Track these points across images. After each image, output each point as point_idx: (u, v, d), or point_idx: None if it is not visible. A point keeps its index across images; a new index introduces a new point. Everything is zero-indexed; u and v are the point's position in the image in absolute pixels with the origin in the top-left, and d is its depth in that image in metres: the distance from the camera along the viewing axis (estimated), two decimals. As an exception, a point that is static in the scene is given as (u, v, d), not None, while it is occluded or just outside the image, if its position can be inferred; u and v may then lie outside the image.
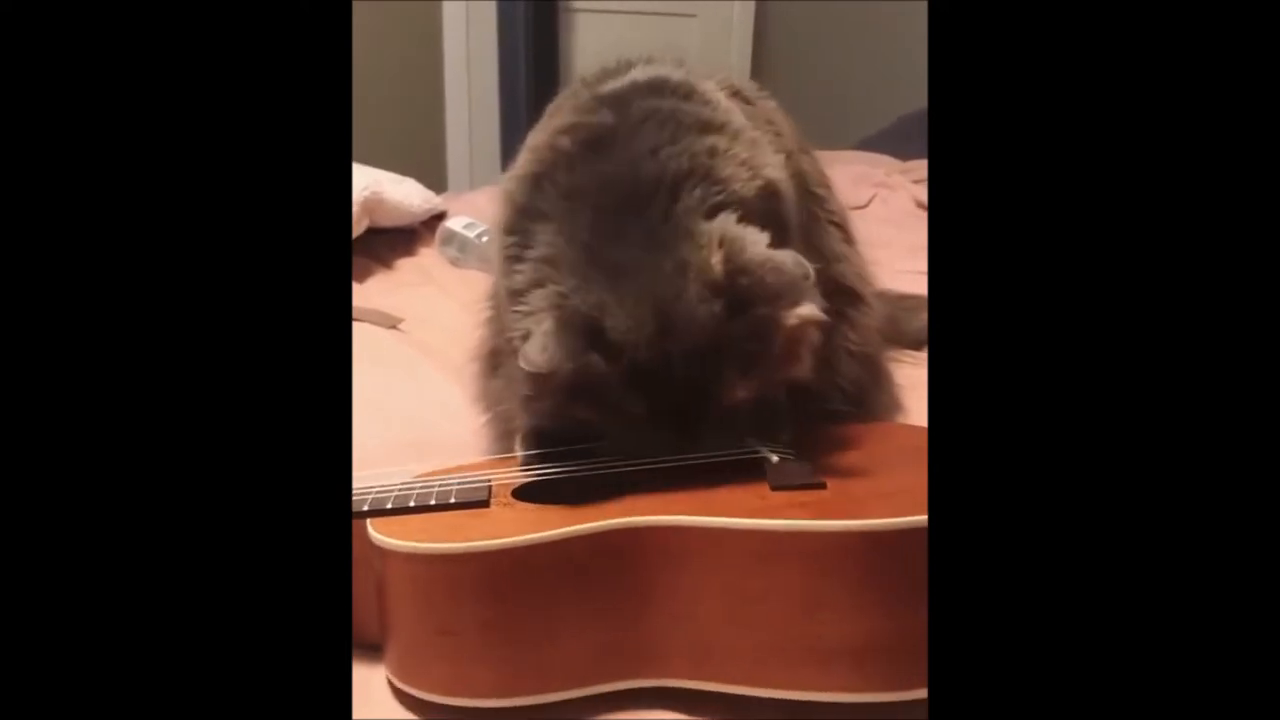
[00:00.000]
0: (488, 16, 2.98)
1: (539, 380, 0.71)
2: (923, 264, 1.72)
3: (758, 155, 0.80)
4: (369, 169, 1.87)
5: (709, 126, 0.80)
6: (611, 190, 0.76)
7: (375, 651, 0.68)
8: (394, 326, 1.44)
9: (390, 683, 0.67)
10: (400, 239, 1.87)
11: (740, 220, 0.74)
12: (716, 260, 0.71)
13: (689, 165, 0.76)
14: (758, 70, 3.37)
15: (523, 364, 0.70)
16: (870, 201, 2.15)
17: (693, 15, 3.38)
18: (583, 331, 0.70)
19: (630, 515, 0.64)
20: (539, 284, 0.75)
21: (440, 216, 1.92)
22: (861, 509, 0.64)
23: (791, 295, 0.69)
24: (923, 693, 0.60)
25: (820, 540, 0.61)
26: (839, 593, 0.61)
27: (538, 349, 0.69)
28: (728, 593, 0.62)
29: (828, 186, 0.98)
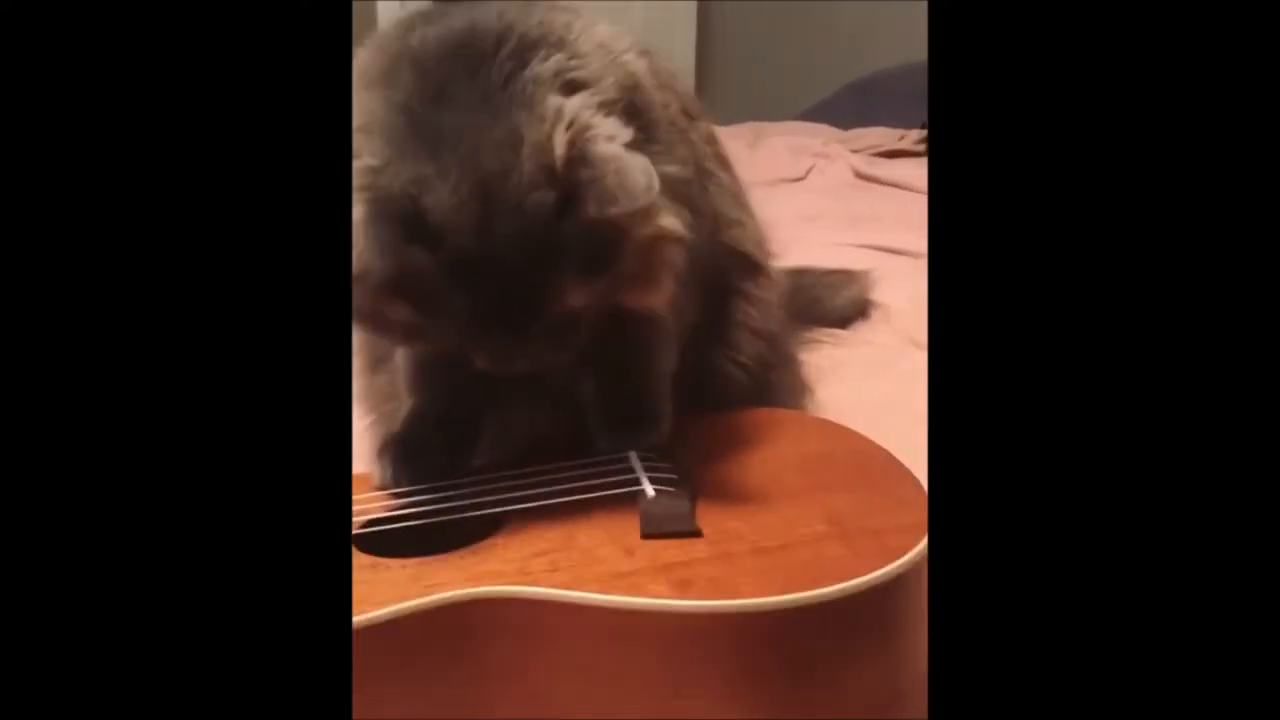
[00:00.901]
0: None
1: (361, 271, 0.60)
2: (860, 236, 1.74)
3: (619, 46, 0.70)
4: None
5: (567, 10, 0.70)
6: (441, 46, 0.64)
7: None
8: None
9: None
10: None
11: (601, 108, 0.63)
12: (559, 141, 0.60)
13: (540, 32, 0.65)
14: (702, 40, 3.34)
15: None
16: (808, 173, 2.15)
17: (636, -15, 3.34)
18: (399, 219, 0.59)
19: (468, 583, 0.56)
20: (355, 157, 0.62)
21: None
22: (733, 575, 0.56)
23: (628, 202, 0.59)
24: None
25: (681, 621, 0.54)
26: (704, 678, 0.54)
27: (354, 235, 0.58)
28: (581, 675, 0.55)
29: (724, 160, 0.89)
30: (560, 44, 0.65)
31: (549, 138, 0.61)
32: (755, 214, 0.91)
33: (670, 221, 0.64)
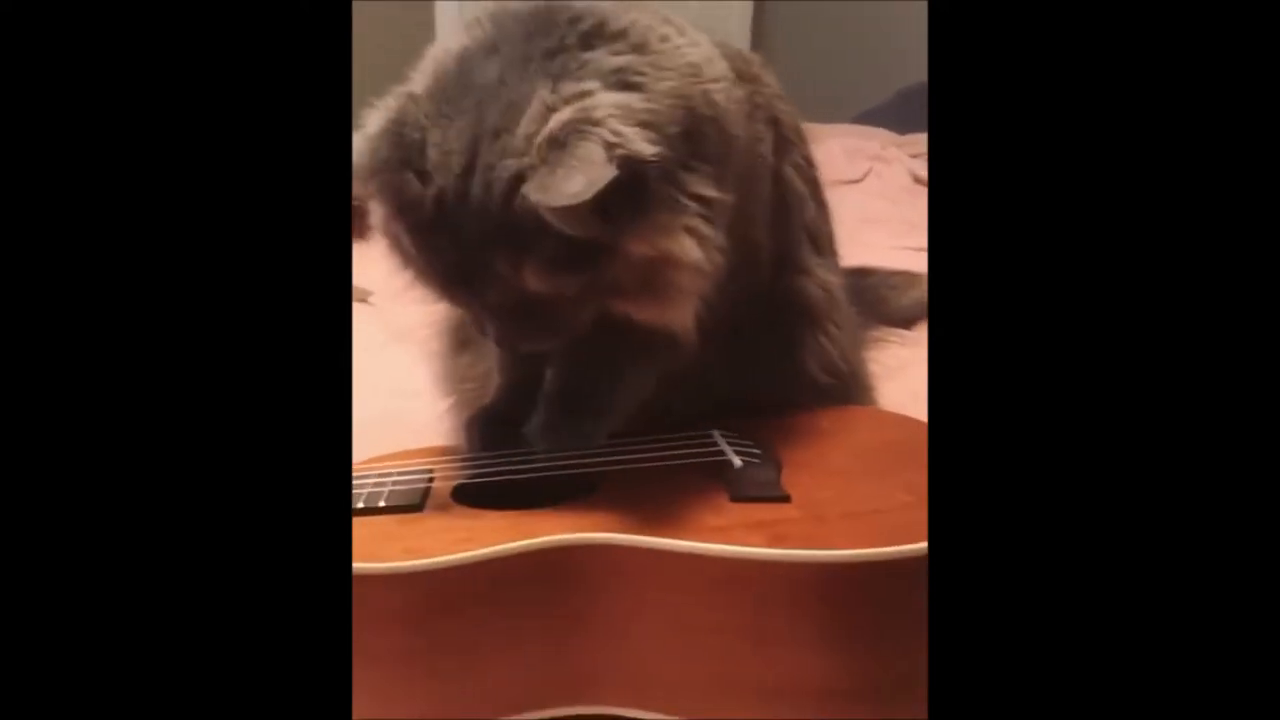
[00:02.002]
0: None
1: (359, 176, 0.61)
2: (917, 240, 1.72)
3: (711, 73, 0.67)
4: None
5: (675, 25, 0.68)
6: (520, 10, 0.64)
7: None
8: (363, 300, 1.43)
9: None
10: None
11: (643, 123, 0.58)
12: (557, 119, 0.58)
13: (626, 27, 0.63)
14: (757, 42, 3.33)
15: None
16: (865, 176, 2.14)
17: (691, -16, 3.34)
18: (404, 143, 0.61)
19: (566, 530, 0.58)
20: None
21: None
22: (825, 534, 0.57)
23: (550, 196, 0.55)
24: None
25: (774, 570, 0.55)
26: (793, 628, 0.55)
27: (358, 141, 0.61)
28: (672, 620, 0.57)
29: (820, 201, 0.88)
30: (643, 48, 0.62)
31: (550, 111, 0.58)
32: (834, 254, 0.88)
33: (682, 246, 0.61)
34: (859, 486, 0.64)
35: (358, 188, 0.61)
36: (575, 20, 0.62)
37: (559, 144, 0.57)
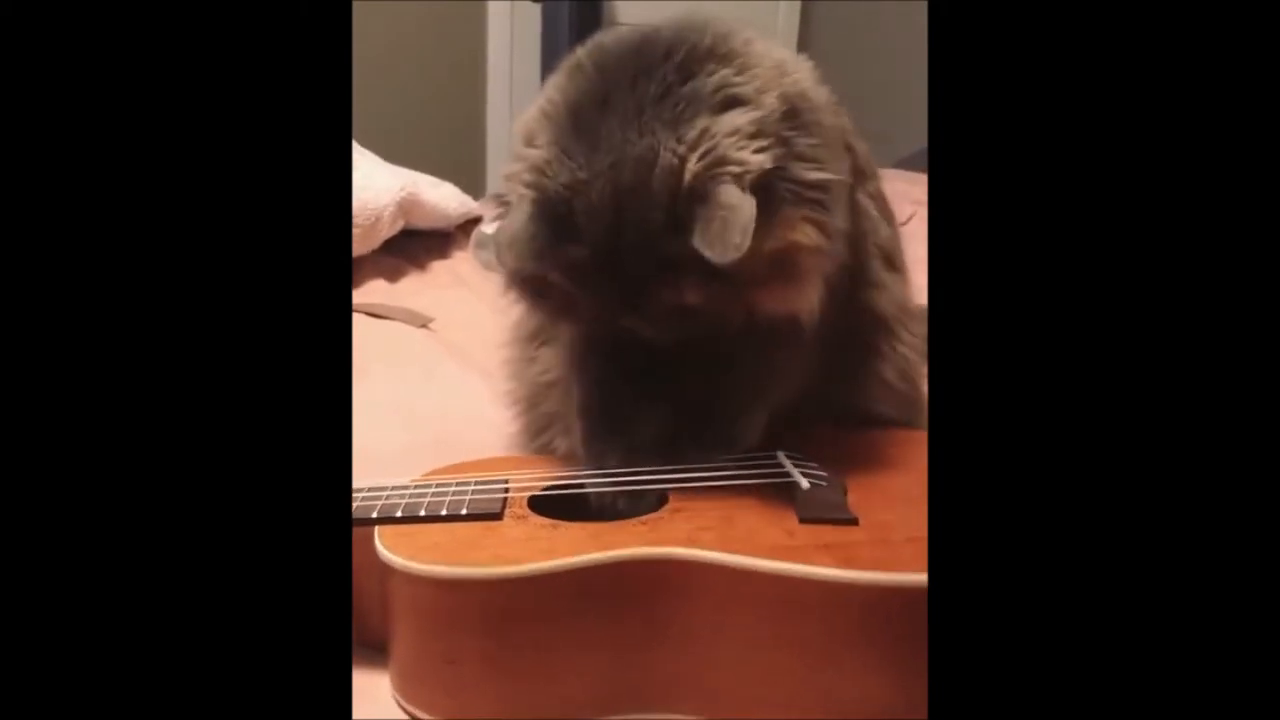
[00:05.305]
0: (532, 20, 3.00)
1: (509, 275, 0.70)
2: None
3: (795, 69, 0.72)
4: (407, 170, 1.89)
5: (753, 31, 0.73)
6: (619, 50, 0.70)
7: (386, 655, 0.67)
8: (424, 326, 1.45)
9: (394, 698, 0.66)
10: (435, 241, 1.89)
11: (753, 134, 0.65)
12: (689, 170, 0.64)
13: (712, 44, 0.68)
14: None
15: (496, 256, 0.67)
16: (909, 219, 2.13)
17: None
18: (556, 221, 0.66)
19: (644, 544, 0.61)
20: (528, 140, 0.70)
21: (476, 221, 1.93)
22: (892, 557, 0.59)
23: (717, 253, 0.62)
24: None
25: (844, 591, 0.57)
26: (861, 649, 0.58)
27: (507, 241, 0.66)
28: (743, 636, 0.59)
29: (888, 215, 0.92)
30: (729, 57, 0.68)
31: (681, 163, 0.64)
32: (905, 272, 0.92)
33: (805, 234, 0.66)
34: (923, 510, 0.65)
35: (519, 265, 0.67)
36: (669, 54, 0.67)
37: (701, 197, 0.63)
